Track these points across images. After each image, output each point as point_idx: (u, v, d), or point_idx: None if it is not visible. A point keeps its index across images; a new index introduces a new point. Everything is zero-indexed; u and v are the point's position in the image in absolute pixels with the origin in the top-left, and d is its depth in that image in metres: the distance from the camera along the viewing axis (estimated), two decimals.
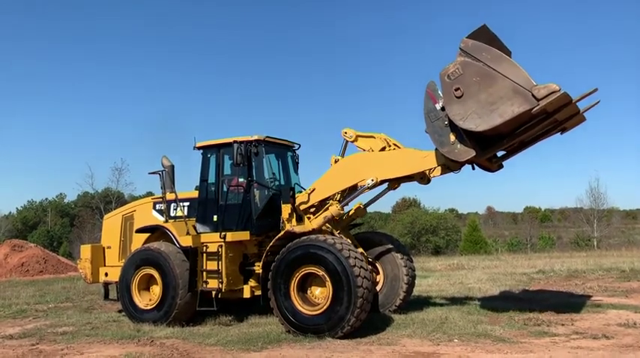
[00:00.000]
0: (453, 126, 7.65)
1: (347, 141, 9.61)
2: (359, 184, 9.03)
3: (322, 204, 9.46)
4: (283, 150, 10.70)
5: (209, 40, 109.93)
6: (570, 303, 10.45)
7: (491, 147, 7.80)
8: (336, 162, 9.66)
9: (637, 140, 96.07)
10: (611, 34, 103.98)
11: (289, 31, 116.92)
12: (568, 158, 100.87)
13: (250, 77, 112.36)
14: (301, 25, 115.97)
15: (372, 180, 8.79)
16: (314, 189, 9.37)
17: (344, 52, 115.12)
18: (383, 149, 9.22)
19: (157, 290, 9.74)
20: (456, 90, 7.26)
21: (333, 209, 9.17)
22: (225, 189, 9.86)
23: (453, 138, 7.65)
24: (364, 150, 9.43)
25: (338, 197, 9.52)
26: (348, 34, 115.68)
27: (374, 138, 9.36)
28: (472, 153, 7.57)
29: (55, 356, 7.55)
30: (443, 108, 7.62)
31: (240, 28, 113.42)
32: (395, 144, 9.21)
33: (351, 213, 10.05)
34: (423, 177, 9.16)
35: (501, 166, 8.77)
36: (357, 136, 9.50)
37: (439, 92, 7.64)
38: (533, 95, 6.86)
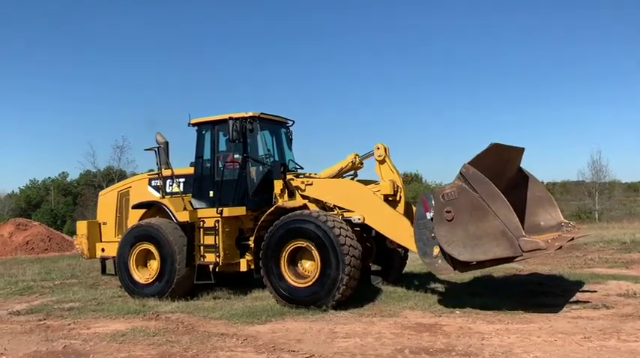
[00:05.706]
0: None
1: (372, 154, 9.37)
2: (349, 210, 8.98)
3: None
4: (277, 127, 10.74)
5: (209, 20, 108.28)
6: (571, 274, 10.56)
7: (470, 268, 7.91)
8: (353, 163, 9.63)
9: (639, 112, 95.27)
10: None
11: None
12: (570, 131, 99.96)
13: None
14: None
15: (359, 219, 8.77)
16: (312, 184, 9.33)
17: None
18: (388, 196, 8.95)
19: (154, 265, 9.87)
20: (448, 212, 7.27)
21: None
22: (220, 165, 9.90)
23: (436, 251, 7.65)
24: (378, 174, 9.22)
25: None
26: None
27: (394, 174, 9.10)
28: (451, 271, 7.68)
29: (62, 331, 7.66)
30: (432, 219, 7.62)
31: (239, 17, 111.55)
32: (400, 196, 9.05)
33: None
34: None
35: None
36: (385, 159, 9.18)
37: (432, 202, 7.57)
38: (519, 245, 6.92)
